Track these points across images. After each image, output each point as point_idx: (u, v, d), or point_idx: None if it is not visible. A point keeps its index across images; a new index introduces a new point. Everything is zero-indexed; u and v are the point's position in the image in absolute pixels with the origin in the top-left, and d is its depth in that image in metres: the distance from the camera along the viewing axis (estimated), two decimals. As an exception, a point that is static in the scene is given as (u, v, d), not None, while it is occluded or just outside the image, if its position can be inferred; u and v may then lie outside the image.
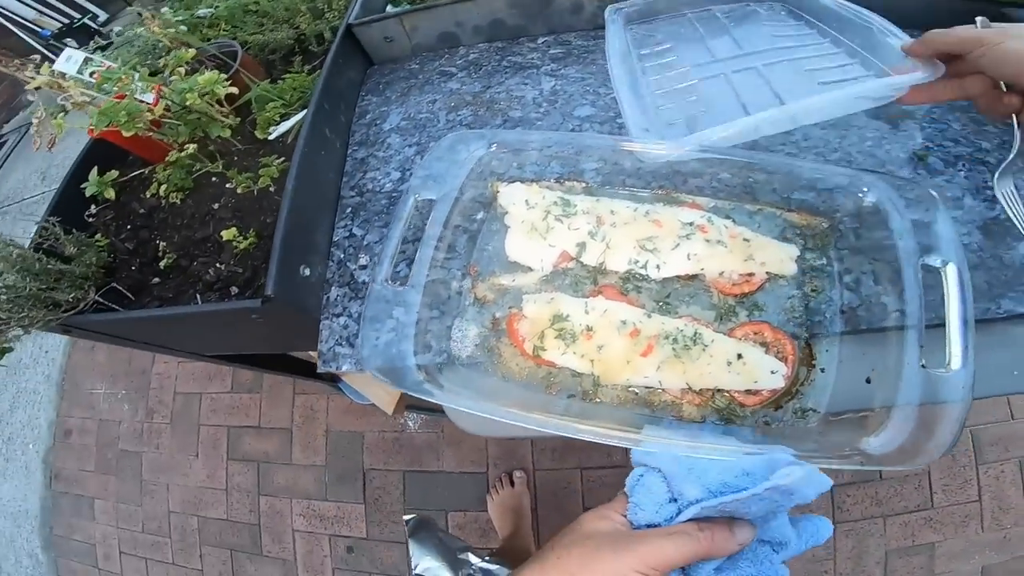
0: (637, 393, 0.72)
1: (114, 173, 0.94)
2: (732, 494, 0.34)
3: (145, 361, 2.12)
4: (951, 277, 0.63)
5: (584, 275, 0.80)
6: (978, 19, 0.50)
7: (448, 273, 0.81)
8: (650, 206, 0.80)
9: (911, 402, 0.60)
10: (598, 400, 0.72)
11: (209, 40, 1.23)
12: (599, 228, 0.79)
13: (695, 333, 0.72)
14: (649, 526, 0.37)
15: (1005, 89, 0.52)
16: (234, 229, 0.87)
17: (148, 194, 0.92)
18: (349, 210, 0.84)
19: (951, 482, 1.44)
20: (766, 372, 0.70)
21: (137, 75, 0.86)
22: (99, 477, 2.21)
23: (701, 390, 0.70)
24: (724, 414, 0.69)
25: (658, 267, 0.77)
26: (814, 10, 0.88)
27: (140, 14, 0.99)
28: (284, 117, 0.96)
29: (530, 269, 0.81)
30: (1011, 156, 0.67)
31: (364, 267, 0.77)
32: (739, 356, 0.71)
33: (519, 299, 0.79)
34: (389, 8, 1.11)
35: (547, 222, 0.80)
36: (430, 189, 0.79)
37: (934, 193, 0.69)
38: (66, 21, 3.61)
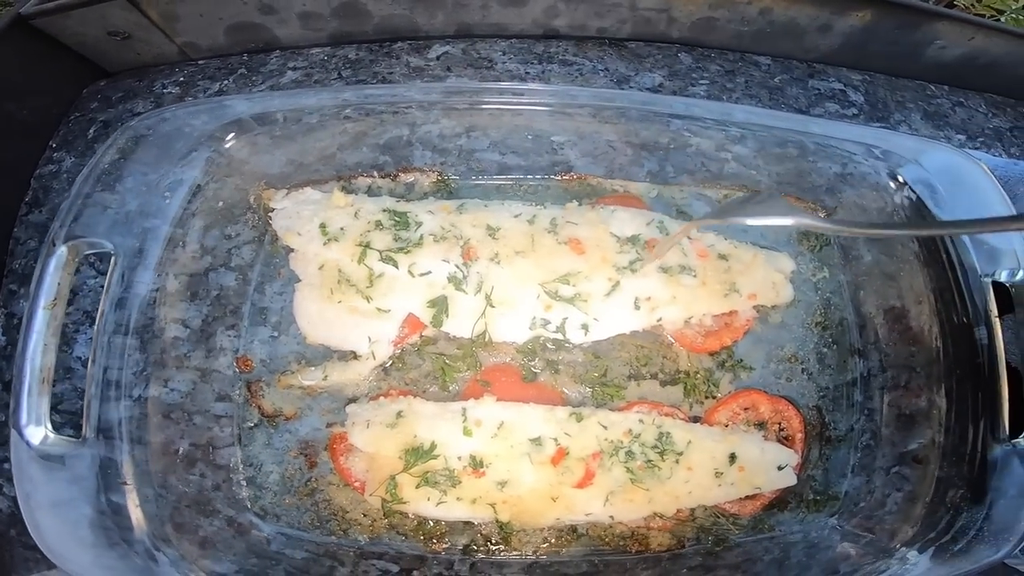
0: (576, 530, 0.41)
1: None
2: None
3: None
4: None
5: (455, 354, 0.44)
6: None
7: (196, 375, 0.41)
8: (556, 209, 0.45)
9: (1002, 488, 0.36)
10: (512, 551, 0.40)
11: None
12: (469, 265, 0.42)
13: (660, 436, 0.41)
14: None
15: None
16: None
17: None
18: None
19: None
20: (771, 470, 0.44)
21: None
22: None
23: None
24: (711, 534, 0.42)
25: (585, 326, 0.42)
26: None
27: None
28: None
29: (353, 355, 0.43)
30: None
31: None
32: (732, 457, 0.41)
33: (337, 400, 0.42)
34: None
35: (368, 265, 0.42)
36: (104, 231, 0.37)
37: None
38: None
